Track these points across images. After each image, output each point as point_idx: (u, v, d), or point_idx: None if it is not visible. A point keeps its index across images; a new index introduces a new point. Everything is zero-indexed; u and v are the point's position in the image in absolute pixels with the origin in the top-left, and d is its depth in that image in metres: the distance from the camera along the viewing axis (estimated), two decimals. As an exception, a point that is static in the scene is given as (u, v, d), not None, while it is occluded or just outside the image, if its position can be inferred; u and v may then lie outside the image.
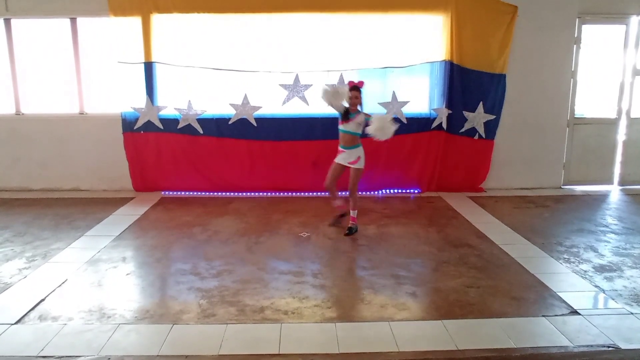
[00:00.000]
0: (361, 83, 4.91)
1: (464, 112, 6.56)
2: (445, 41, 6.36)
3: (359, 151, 4.90)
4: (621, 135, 6.98)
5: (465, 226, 5.29)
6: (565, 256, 4.41)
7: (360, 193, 6.61)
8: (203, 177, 6.63)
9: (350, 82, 4.92)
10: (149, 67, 6.30)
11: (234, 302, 3.50)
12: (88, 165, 6.70)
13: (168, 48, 6.30)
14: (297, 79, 6.35)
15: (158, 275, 4.00)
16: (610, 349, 2.94)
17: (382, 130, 4.63)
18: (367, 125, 4.72)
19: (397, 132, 6.48)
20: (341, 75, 6.33)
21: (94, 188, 6.76)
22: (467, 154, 6.69)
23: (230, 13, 6.24)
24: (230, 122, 6.43)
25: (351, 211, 5.01)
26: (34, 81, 6.71)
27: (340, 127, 4.87)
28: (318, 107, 6.35)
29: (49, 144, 6.65)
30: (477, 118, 6.58)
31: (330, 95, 4.74)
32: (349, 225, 5.01)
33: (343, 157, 4.91)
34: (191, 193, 6.62)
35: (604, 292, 3.70)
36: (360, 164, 4.89)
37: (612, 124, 6.96)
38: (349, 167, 4.89)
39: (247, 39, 6.31)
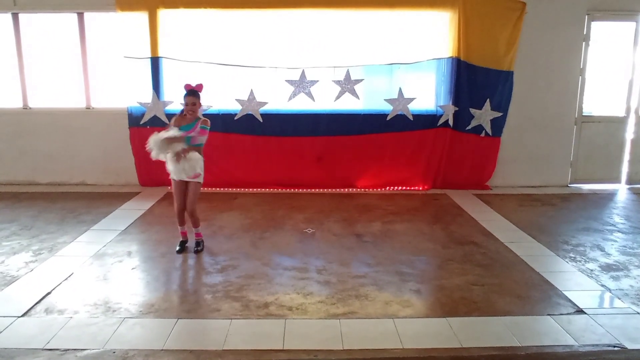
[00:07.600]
0: (200, 86, 4.34)
1: (470, 109, 6.53)
2: (453, 38, 6.32)
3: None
4: (629, 134, 6.92)
5: (470, 224, 5.26)
6: (572, 255, 4.39)
7: (365, 190, 6.65)
8: (208, 172, 6.56)
9: (187, 85, 4.33)
10: (155, 62, 6.31)
11: (238, 298, 3.50)
12: (94, 159, 6.73)
13: (174, 43, 6.30)
14: (303, 75, 6.34)
15: (163, 270, 4.01)
16: (616, 348, 2.92)
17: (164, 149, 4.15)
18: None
19: (403, 129, 6.61)
20: (347, 71, 6.32)
21: (100, 182, 6.79)
22: (473, 152, 6.66)
23: (236, 9, 6.23)
24: (236, 118, 6.43)
25: (196, 229, 4.43)
26: (41, 75, 6.73)
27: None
28: (324, 103, 6.39)
29: (56, 138, 6.68)
30: (483, 115, 6.55)
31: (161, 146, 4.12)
32: (198, 241, 4.46)
33: (179, 170, 4.25)
34: (196, 188, 6.62)
35: (610, 292, 3.67)
36: (201, 179, 4.39)
37: (620, 122, 6.90)
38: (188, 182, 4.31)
39: (253, 34, 6.31)
